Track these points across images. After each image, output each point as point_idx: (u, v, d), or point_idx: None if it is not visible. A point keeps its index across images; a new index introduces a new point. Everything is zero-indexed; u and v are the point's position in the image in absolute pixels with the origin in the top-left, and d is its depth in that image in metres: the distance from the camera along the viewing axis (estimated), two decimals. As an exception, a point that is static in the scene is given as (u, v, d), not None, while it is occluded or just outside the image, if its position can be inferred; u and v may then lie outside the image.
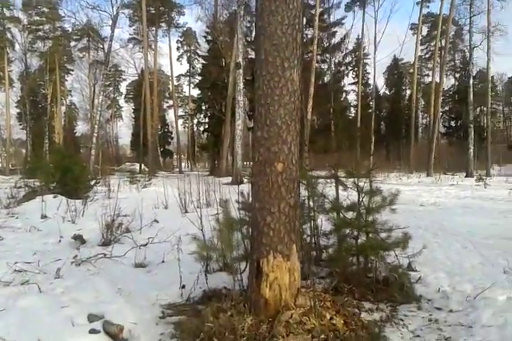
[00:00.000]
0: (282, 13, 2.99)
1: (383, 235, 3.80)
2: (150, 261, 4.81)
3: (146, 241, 5.77)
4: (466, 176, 23.08)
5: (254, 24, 3.33)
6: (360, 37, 30.74)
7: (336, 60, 29.73)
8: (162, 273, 4.37)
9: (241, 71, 19.78)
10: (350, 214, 3.94)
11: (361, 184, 3.91)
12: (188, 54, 49.34)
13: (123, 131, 57.32)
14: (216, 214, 8.05)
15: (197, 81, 46.59)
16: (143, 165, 35.73)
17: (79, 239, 5.99)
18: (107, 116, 51.25)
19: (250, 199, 3.36)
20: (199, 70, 46.65)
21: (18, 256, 5.13)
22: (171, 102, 53.47)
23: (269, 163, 3.00)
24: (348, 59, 32.36)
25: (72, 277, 4.24)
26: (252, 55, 26.78)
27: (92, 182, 13.24)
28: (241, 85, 19.52)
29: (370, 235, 3.81)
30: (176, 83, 50.00)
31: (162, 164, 44.48)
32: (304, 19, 29.48)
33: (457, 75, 44.09)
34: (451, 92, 44.89)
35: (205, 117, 32.54)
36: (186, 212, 8.65)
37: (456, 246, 5.21)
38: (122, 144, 57.80)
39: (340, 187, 4.06)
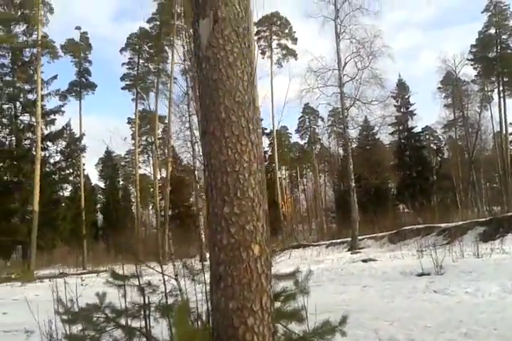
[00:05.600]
0: (241, 67, 2.59)
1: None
2: None
3: None
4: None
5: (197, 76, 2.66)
6: (69, 125, 30.16)
7: (58, 149, 27.92)
8: None
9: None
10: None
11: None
12: None
13: None
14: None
15: None
16: None
17: None
18: None
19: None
20: None
21: None
22: None
23: (244, 245, 2.37)
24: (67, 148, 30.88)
25: None
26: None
27: None
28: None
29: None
30: None
31: None
32: (18, 104, 26.99)
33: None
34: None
35: None
36: None
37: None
38: None
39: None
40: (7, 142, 26.26)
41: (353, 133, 27.61)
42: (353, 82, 22.54)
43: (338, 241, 22.56)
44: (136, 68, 36.50)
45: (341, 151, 42.69)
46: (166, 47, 33.39)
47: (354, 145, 36.65)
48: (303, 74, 24.10)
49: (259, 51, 37.15)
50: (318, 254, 18.66)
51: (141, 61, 36.19)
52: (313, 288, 7.36)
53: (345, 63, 22.39)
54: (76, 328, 3.80)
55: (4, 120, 26.37)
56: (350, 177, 21.24)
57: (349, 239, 20.93)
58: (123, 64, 36.61)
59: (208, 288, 3.29)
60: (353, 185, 21.30)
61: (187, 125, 28.00)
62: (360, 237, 20.40)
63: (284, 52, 38.30)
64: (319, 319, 3.39)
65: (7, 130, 26.33)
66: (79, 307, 3.88)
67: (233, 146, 2.47)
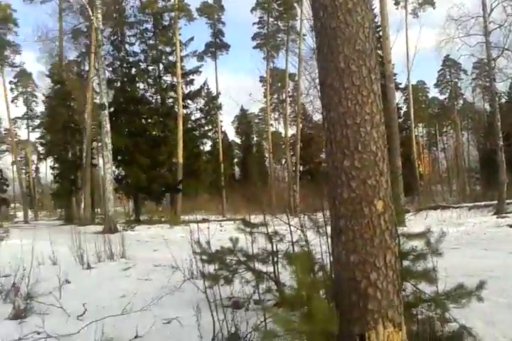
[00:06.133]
0: (362, 13, 2.47)
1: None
2: (114, 337, 3.42)
3: (76, 307, 4.28)
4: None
5: (314, 26, 2.67)
6: (207, 85, 31.89)
7: (198, 106, 30.05)
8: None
9: (106, 112, 18.40)
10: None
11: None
12: (25, 96, 45.46)
13: None
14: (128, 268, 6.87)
15: (36, 124, 43.13)
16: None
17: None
18: None
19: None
20: (39, 113, 43.24)
21: None
22: (3, 147, 47.78)
23: (366, 200, 2.35)
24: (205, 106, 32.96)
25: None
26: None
27: None
28: (108, 127, 18.06)
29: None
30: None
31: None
32: (161, 65, 29.23)
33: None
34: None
35: (56, 162, 29.33)
36: (89, 267, 7.06)
37: None
38: None
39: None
40: (153, 100, 28.91)
41: (502, 86, 24.57)
42: (501, 29, 20.00)
43: (482, 204, 20.90)
44: (266, 27, 36.64)
45: (487, 107, 38.42)
46: (295, 4, 32.66)
47: (503, 100, 32.64)
48: (441, 24, 22.04)
49: (393, 1, 34.50)
50: (459, 217, 17.58)
51: (270, 19, 36.17)
52: (449, 250, 7.06)
53: (492, 9, 19.85)
54: (212, 268, 4.21)
55: (150, 80, 28.88)
56: (498, 135, 19.29)
57: (495, 202, 19.30)
58: (254, 23, 37.10)
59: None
60: (501, 143, 19.32)
61: (316, 81, 27.75)
62: (508, 201, 18.66)
63: (420, 0, 34.92)
64: (454, 281, 3.26)
65: (153, 89, 28.89)
66: (215, 249, 4.30)
67: (353, 97, 2.41)
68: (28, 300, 4.35)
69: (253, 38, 37.58)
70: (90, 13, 19.08)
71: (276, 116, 49.09)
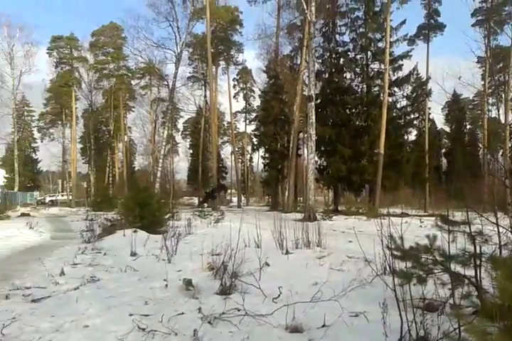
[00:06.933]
0: None
1: None
2: (303, 322, 3.63)
3: (272, 289, 4.60)
4: None
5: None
6: (416, 70, 29.85)
7: (404, 94, 28.68)
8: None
9: (313, 104, 19.08)
10: None
11: None
12: (244, 91, 50.41)
13: (179, 166, 57.90)
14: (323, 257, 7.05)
15: (252, 117, 47.88)
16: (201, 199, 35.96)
17: (189, 285, 4.99)
18: (163, 152, 52.40)
19: None
20: (255, 107, 47.74)
21: (128, 305, 4.26)
22: (224, 138, 54.41)
23: None
24: (413, 93, 31.18)
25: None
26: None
27: (166, 216, 12.64)
28: (313, 118, 18.74)
29: None
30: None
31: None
32: (369, 53, 28.70)
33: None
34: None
35: (266, 152, 31.96)
36: (287, 252, 7.51)
37: None
38: (180, 179, 57.92)
39: None
40: (359, 90, 28.71)
41: None
42: None
43: None
44: (489, 0, 32.55)
45: None
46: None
47: None
48: None
49: None
50: None
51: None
52: None
53: None
54: (405, 265, 4.01)
55: (357, 69, 28.74)
56: None
57: None
58: (476, -2, 33.34)
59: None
60: None
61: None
62: None
63: None
64: None
65: (359, 78, 28.76)
66: (409, 246, 4.07)
67: None
68: (233, 279, 4.88)
69: (473, 14, 34.02)
70: (305, 6, 20.05)
71: (493, 101, 43.60)
